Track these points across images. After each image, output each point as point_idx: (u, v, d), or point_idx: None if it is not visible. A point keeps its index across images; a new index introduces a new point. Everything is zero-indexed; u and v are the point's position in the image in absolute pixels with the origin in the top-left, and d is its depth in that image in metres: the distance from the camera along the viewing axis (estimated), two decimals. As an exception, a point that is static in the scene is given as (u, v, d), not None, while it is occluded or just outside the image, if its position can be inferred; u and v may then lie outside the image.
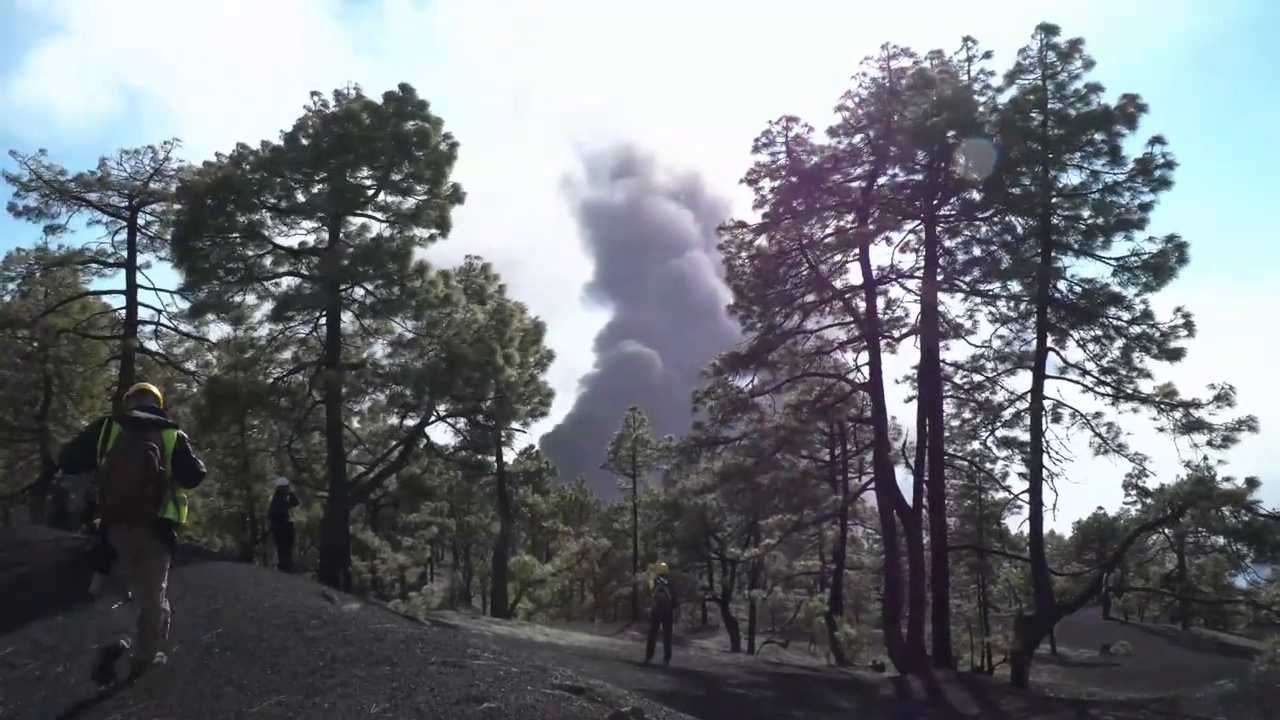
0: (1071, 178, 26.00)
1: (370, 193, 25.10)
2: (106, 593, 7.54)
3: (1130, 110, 24.66)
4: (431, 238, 25.25)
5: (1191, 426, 23.92)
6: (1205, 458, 24.16)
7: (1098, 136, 24.97)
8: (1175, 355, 24.29)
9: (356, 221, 25.68)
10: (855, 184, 28.52)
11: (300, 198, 24.86)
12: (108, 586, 7.46)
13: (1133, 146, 25.20)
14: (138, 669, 6.97)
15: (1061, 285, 26.26)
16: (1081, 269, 26.31)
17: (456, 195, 25.26)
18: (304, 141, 24.55)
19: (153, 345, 33.51)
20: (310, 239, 25.73)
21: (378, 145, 24.32)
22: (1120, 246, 25.31)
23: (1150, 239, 24.85)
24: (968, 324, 28.86)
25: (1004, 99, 26.73)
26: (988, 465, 31.40)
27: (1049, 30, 25.78)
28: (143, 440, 6.91)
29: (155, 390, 7.68)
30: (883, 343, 28.59)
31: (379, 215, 25.48)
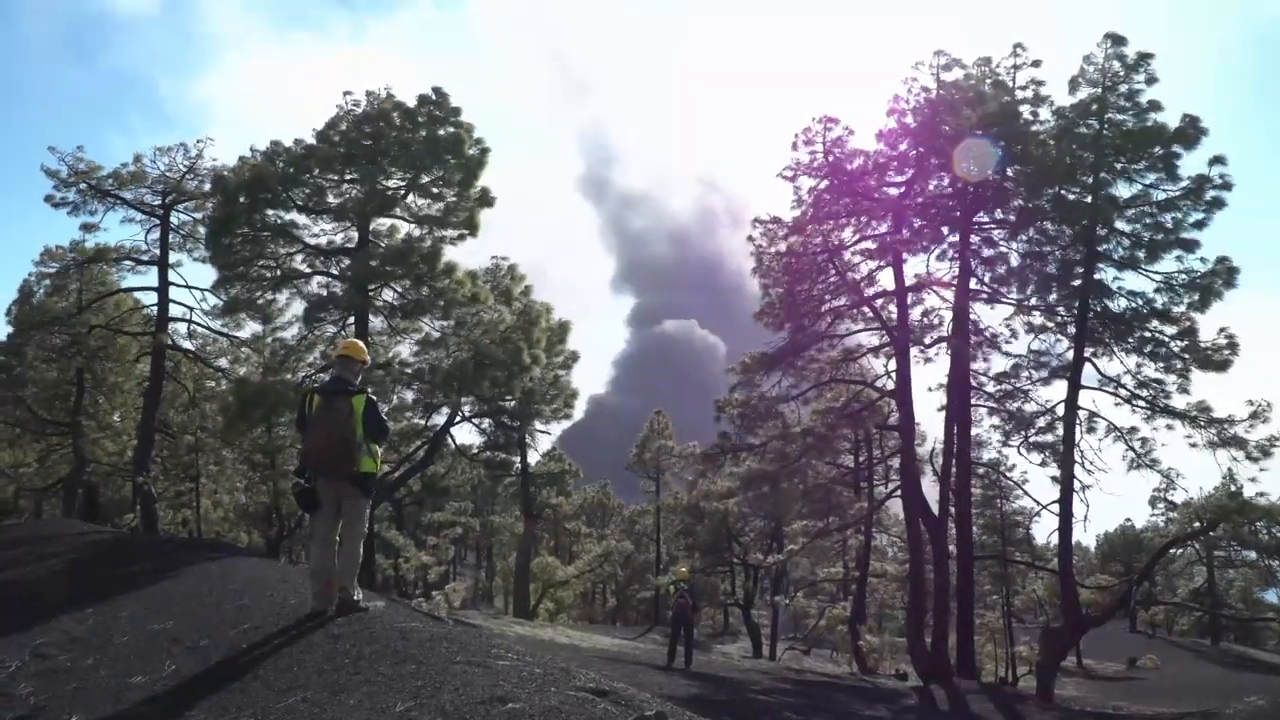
0: (1122, 191, 25.73)
1: (400, 195, 25.20)
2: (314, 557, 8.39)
3: (1190, 131, 24.38)
4: (460, 238, 25.31)
5: (1227, 442, 23.61)
6: (1231, 471, 23.93)
7: (1155, 151, 24.68)
8: (1221, 366, 23.97)
9: (385, 222, 25.79)
10: (894, 190, 28.33)
11: (331, 198, 25.01)
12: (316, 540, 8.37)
13: (1188, 162, 24.88)
14: (344, 607, 7.97)
15: (1104, 297, 25.98)
16: (1124, 282, 25.98)
17: (486, 198, 25.28)
18: (335, 139, 24.68)
19: (185, 343, 33.79)
20: (339, 238, 25.90)
21: (411, 149, 24.39)
22: (1167, 263, 25.01)
23: (1202, 259, 24.54)
24: (1004, 333, 28.70)
25: (1056, 107, 26.50)
26: (1015, 475, 31.20)
27: (1117, 40, 25.38)
28: (329, 409, 8.01)
29: (358, 350, 8.55)
30: (913, 351, 28.40)
31: (407, 217, 25.57)
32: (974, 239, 28.27)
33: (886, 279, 28.93)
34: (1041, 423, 27.65)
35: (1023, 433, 28.15)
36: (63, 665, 7.78)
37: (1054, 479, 26.70)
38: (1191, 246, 24.46)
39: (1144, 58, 25.17)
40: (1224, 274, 24.13)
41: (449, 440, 32.18)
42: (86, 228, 31.45)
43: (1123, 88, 25.31)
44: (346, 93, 25.29)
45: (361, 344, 8.78)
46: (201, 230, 29.73)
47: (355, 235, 25.43)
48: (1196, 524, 26.22)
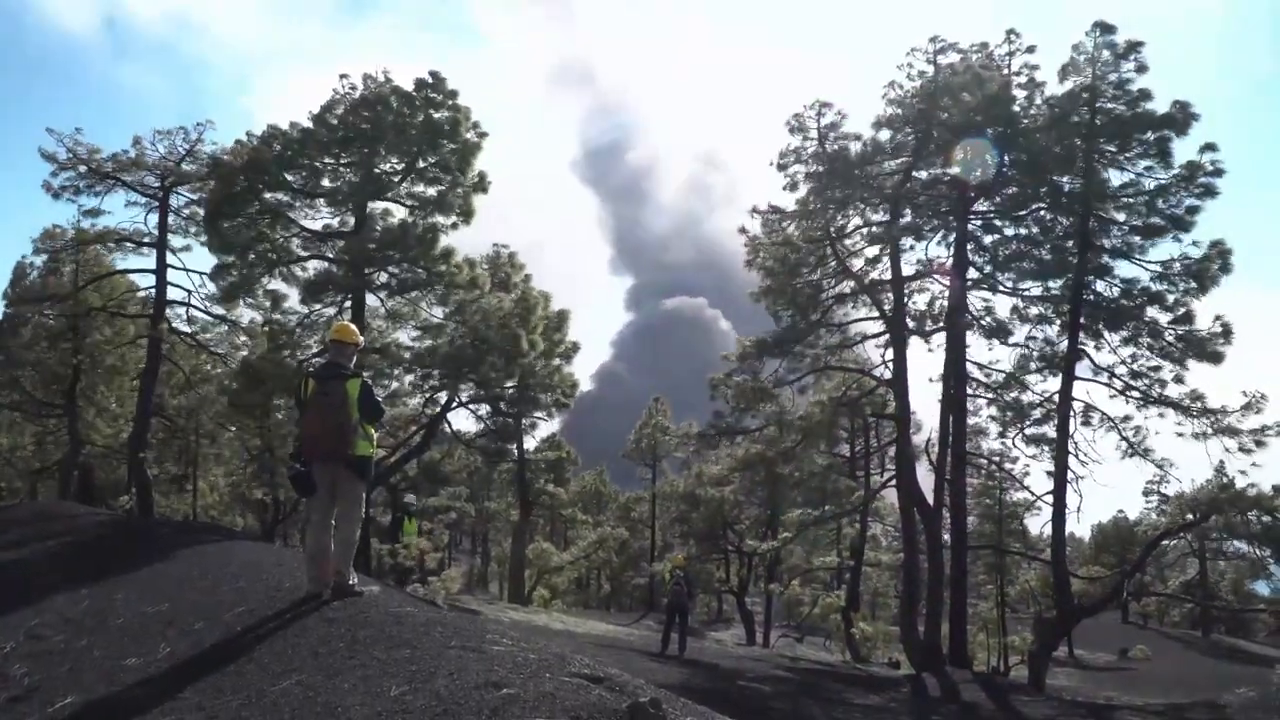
0: (1114, 179, 25.68)
1: (396, 179, 25.09)
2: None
3: (1180, 117, 24.31)
4: (455, 225, 25.19)
5: (1220, 432, 23.67)
6: (1222, 463, 24.04)
7: (1147, 137, 24.62)
8: (1216, 358, 24.01)
9: (381, 206, 25.69)
10: (891, 177, 28.21)
11: (327, 182, 24.90)
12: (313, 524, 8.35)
13: (1180, 148, 24.83)
14: (339, 591, 7.94)
15: (1098, 286, 25.99)
16: (1119, 271, 26.01)
17: (482, 184, 25.18)
18: (332, 122, 24.51)
19: (184, 326, 33.66)
20: (335, 222, 25.82)
21: (407, 134, 24.24)
22: (1161, 250, 25.01)
23: (1194, 243, 24.48)
24: (1000, 323, 28.65)
25: (1048, 95, 26.42)
26: (1008, 465, 31.24)
27: (1106, 29, 25.25)
28: (324, 393, 7.99)
29: (349, 334, 8.52)
30: (910, 339, 28.35)
31: (404, 201, 25.48)
32: (971, 227, 28.21)
33: (884, 266, 28.89)
34: (1037, 414, 27.69)
35: (1019, 424, 28.19)
36: (57, 646, 7.80)
37: (1049, 473, 26.80)
38: (1187, 226, 24.44)
39: (1134, 46, 25.08)
40: (1218, 258, 24.12)
41: (445, 426, 32.20)
42: (90, 213, 31.19)
43: (1113, 76, 25.21)
44: (343, 76, 25.09)
45: (354, 327, 8.73)
46: (200, 213, 29.59)
47: (351, 220, 25.35)
48: (1189, 516, 26.28)
